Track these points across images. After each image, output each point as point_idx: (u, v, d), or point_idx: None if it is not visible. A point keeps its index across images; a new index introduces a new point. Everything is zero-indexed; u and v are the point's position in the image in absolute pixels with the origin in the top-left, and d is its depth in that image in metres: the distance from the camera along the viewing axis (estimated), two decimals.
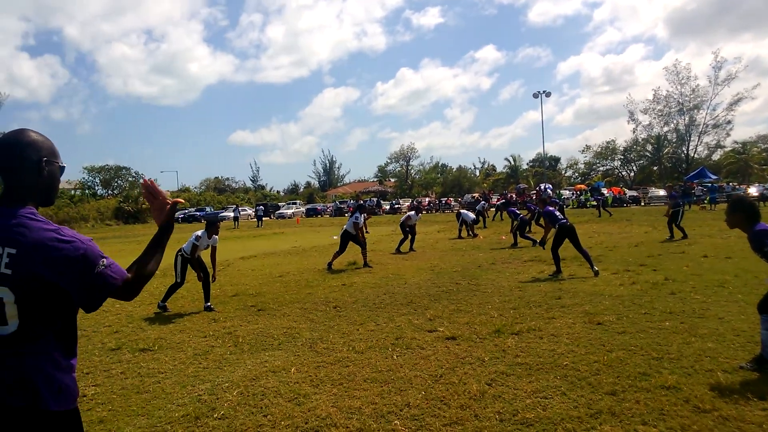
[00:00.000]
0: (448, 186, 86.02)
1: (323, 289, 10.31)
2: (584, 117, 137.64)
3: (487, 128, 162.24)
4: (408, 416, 4.32)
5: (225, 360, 6.09)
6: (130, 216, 63.83)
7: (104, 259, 2.02)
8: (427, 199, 66.25)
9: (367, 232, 26.27)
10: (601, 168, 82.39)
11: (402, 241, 17.34)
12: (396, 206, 61.73)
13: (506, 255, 14.72)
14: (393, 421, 4.24)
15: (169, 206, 2.41)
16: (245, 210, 61.17)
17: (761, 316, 4.91)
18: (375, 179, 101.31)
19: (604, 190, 50.80)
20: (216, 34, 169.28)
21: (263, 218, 44.59)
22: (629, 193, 53.00)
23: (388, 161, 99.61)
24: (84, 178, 75.30)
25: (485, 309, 7.99)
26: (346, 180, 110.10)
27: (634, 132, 73.55)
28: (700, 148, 69.27)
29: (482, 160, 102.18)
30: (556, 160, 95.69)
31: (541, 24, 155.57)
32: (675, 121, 69.07)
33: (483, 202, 29.77)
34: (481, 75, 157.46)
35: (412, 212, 17.80)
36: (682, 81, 66.60)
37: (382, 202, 66.32)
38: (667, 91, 67.86)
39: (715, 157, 70.36)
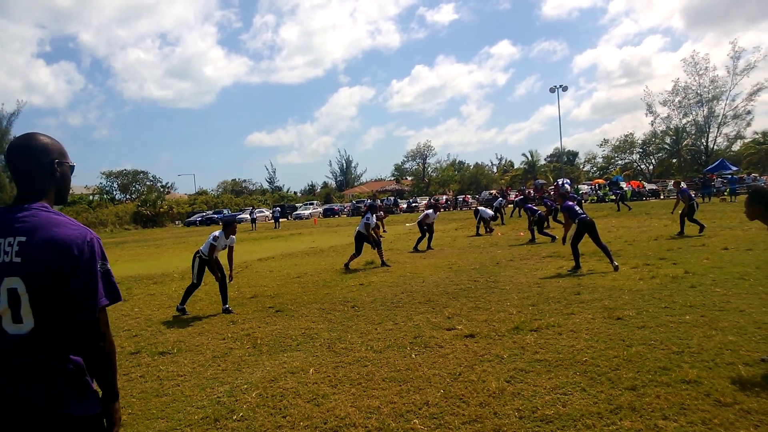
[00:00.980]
0: (465, 183, 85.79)
1: (341, 289, 10.33)
2: (602, 110, 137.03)
3: (503, 124, 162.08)
4: (427, 415, 4.32)
5: (243, 362, 6.12)
6: (148, 220, 64.56)
7: (106, 263, 2.08)
8: (444, 197, 66.07)
9: (384, 231, 26.45)
10: (620, 162, 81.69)
11: (420, 240, 17.31)
12: (413, 204, 61.67)
13: (524, 251, 14.65)
14: (412, 420, 4.23)
15: None
16: (262, 211, 61.47)
17: None
18: (392, 178, 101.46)
19: (623, 184, 50.40)
20: (230, 36, 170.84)
21: (280, 219, 44.72)
22: (648, 186, 52.47)
23: (405, 159, 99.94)
24: (102, 183, 76.26)
25: (504, 306, 7.96)
26: (363, 179, 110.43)
27: (652, 124, 72.97)
28: (719, 140, 68.42)
29: (499, 157, 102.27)
30: (574, 154, 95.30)
31: (556, 17, 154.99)
32: (694, 113, 68.31)
33: (501, 198, 29.68)
34: (496, 71, 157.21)
35: (430, 210, 17.70)
36: (700, 72, 65.85)
37: (399, 200, 66.28)
38: (685, 82, 67.18)
39: (735, 148, 69.53)
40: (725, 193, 38.42)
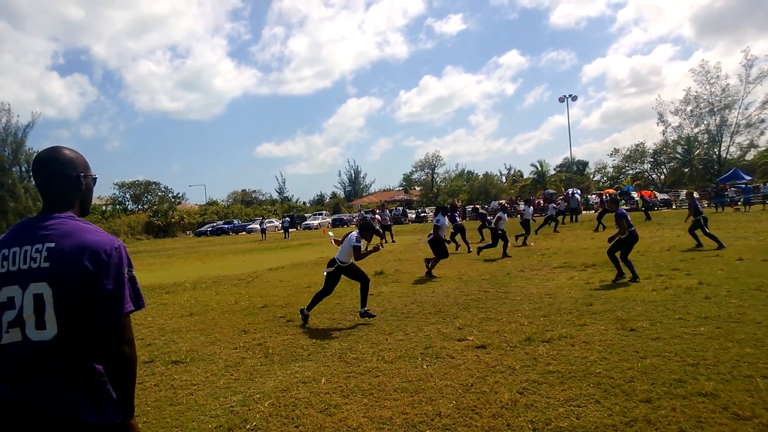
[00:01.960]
0: (474, 193, 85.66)
1: (351, 300, 10.31)
2: (611, 120, 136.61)
3: (512, 134, 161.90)
4: (439, 426, 4.29)
5: (256, 371, 6.12)
6: (160, 230, 64.91)
7: (132, 269, 2.12)
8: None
9: (393, 241, 26.44)
10: (631, 171, 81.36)
11: (488, 246, 17.04)
12: (422, 215, 61.62)
13: (535, 262, 14.59)
14: (424, 431, 4.21)
15: None
16: (272, 222, 61.67)
17: None
18: (400, 188, 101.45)
19: (634, 194, 50.16)
20: (239, 48, 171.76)
21: (289, 229, 44.82)
22: (660, 196, 52.19)
23: (413, 170, 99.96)
24: (115, 193, 76.75)
25: (515, 317, 7.92)
26: (372, 189, 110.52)
27: (663, 134, 72.75)
28: (732, 149, 68.04)
29: (508, 167, 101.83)
30: (584, 164, 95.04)
31: (564, 27, 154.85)
32: (706, 122, 68.04)
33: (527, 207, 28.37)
34: (505, 80, 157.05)
35: (502, 213, 17.22)
36: (712, 81, 65.64)
37: (407, 210, 66.27)
38: (697, 91, 66.94)
39: (749, 157, 68.95)
40: (739, 203, 38.14)
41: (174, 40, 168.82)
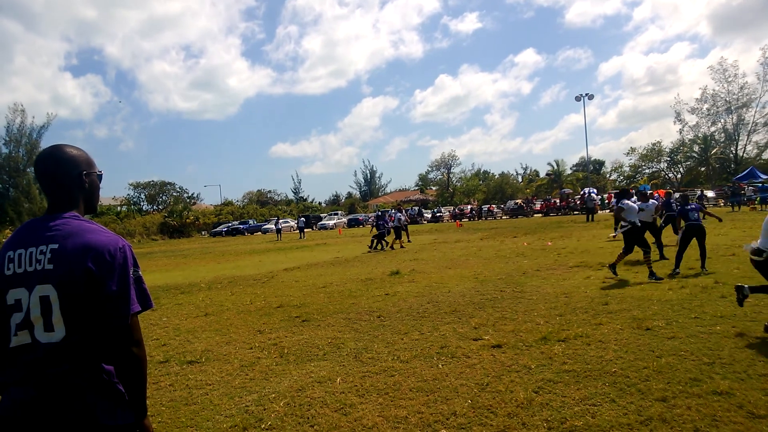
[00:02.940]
0: (490, 193, 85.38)
1: (367, 299, 10.35)
2: (628, 119, 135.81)
3: (528, 133, 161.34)
4: (455, 425, 4.31)
5: (271, 371, 6.16)
6: (175, 230, 65.30)
7: (138, 270, 2.10)
8: (469, 207, 65.84)
9: (408, 241, 26.45)
10: (647, 170, 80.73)
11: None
12: (438, 214, 61.57)
13: (551, 261, 14.53)
14: (440, 430, 4.23)
15: None
16: (287, 222, 61.86)
17: None
18: (416, 188, 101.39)
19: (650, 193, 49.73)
20: (253, 48, 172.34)
21: (305, 230, 44.93)
22: (676, 195, 51.71)
23: (429, 169, 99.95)
24: (129, 194, 77.38)
25: (531, 316, 7.91)
26: (388, 189, 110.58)
27: (680, 133, 72.13)
28: (749, 148, 67.39)
29: (524, 166, 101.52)
30: (601, 163, 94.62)
31: (580, 25, 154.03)
32: (723, 121, 67.39)
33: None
34: (521, 79, 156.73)
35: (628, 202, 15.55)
36: (729, 79, 65.00)
37: (423, 210, 66.26)
38: (714, 90, 66.30)
39: (766, 155, 68.20)
40: (756, 202, 37.74)
41: (188, 39, 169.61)
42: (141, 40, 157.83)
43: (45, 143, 61.47)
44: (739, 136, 66.55)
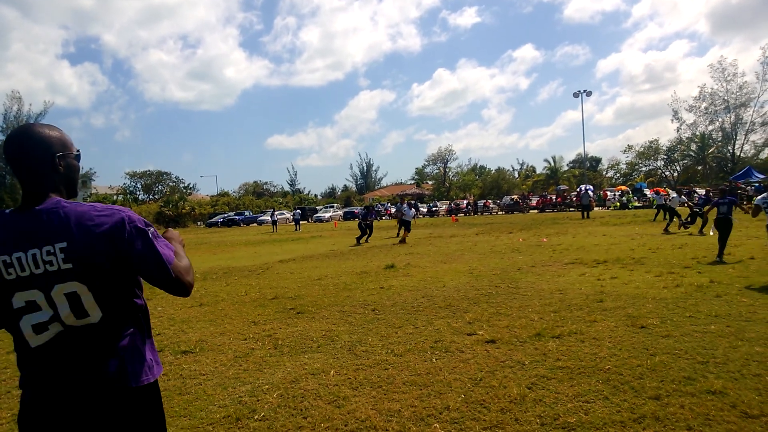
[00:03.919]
0: (486, 188, 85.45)
1: (361, 292, 10.34)
2: (625, 116, 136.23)
3: (525, 129, 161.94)
4: (448, 419, 4.30)
5: (265, 362, 6.15)
6: (171, 220, 65.28)
7: (151, 226, 1.99)
8: (465, 202, 65.87)
9: (398, 235, 26.37)
10: (644, 168, 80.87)
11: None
12: (434, 209, 61.60)
13: (546, 257, 14.54)
14: (433, 425, 4.22)
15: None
16: (283, 214, 61.84)
17: None
18: (412, 182, 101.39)
19: (646, 191, 49.84)
20: (251, 38, 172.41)
21: (300, 222, 44.89)
22: (672, 193, 51.85)
23: (426, 163, 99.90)
24: (126, 183, 77.31)
25: (525, 312, 7.91)
26: (384, 183, 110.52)
27: (677, 131, 72.16)
28: (746, 147, 67.38)
29: (521, 162, 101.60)
30: (597, 160, 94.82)
31: (578, 21, 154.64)
32: (720, 119, 67.40)
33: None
34: (518, 75, 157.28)
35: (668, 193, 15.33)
36: (728, 78, 64.96)
37: (419, 204, 66.29)
38: (712, 88, 66.31)
39: (763, 155, 68.24)
40: (753, 202, 37.80)
41: (185, 29, 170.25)
42: (138, 29, 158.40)
43: None
44: (736, 136, 66.60)
